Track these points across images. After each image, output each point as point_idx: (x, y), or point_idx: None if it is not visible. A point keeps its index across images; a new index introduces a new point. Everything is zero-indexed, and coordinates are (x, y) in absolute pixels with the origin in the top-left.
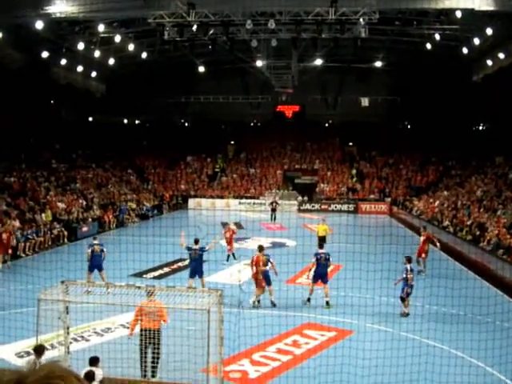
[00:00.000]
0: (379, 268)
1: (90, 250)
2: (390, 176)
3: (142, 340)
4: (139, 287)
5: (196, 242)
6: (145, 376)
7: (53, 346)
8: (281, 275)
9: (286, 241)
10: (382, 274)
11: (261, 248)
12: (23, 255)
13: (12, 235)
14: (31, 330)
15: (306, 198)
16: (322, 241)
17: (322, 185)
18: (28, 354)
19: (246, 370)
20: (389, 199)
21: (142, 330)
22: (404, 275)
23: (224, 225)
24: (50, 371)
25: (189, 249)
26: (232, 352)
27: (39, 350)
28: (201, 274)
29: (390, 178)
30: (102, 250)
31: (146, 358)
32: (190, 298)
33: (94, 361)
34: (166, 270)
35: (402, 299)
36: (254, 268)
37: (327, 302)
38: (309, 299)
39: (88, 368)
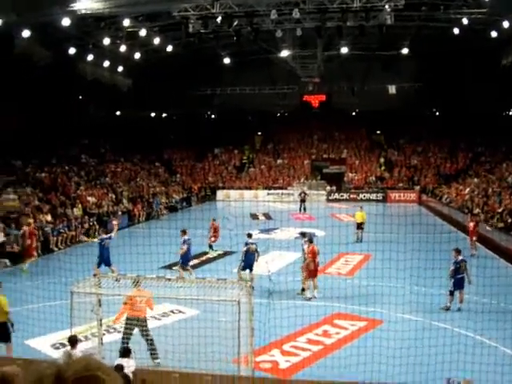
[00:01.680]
0: (409, 257)
1: (101, 245)
2: (419, 164)
3: (126, 327)
4: (169, 279)
5: (249, 235)
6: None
7: (86, 338)
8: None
9: (315, 231)
10: (412, 263)
11: (311, 240)
12: (55, 249)
13: (35, 236)
14: (65, 322)
15: (334, 188)
16: (359, 227)
17: (350, 174)
18: (63, 345)
19: (277, 360)
20: (418, 187)
21: (127, 318)
22: (452, 267)
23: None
24: (87, 363)
25: (246, 244)
26: (263, 343)
27: (73, 340)
28: (252, 268)
29: (419, 166)
30: (107, 244)
31: (127, 342)
32: (220, 289)
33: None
34: (196, 261)
35: (451, 292)
36: (312, 260)
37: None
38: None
39: (119, 360)
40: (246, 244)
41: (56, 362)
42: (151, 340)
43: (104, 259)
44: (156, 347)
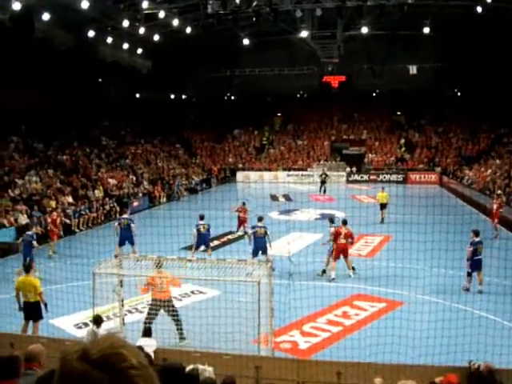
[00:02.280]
0: (430, 239)
1: (117, 224)
2: (440, 145)
3: (151, 308)
4: (190, 260)
5: (260, 219)
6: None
7: (108, 318)
8: (330, 246)
9: (335, 212)
10: (433, 245)
11: (345, 222)
12: (77, 231)
13: (61, 219)
14: (88, 302)
15: (354, 169)
16: (382, 208)
17: (370, 155)
18: (86, 325)
19: (297, 340)
20: (438, 169)
21: (152, 300)
22: (470, 248)
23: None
24: (112, 342)
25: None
26: (283, 323)
27: (98, 320)
28: (265, 251)
29: (440, 147)
30: (128, 224)
31: (150, 323)
32: (240, 270)
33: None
34: (216, 242)
35: (469, 274)
36: (340, 241)
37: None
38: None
39: (141, 340)
40: (254, 227)
41: (82, 342)
42: (178, 320)
43: (122, 238)
44: (182, 328)
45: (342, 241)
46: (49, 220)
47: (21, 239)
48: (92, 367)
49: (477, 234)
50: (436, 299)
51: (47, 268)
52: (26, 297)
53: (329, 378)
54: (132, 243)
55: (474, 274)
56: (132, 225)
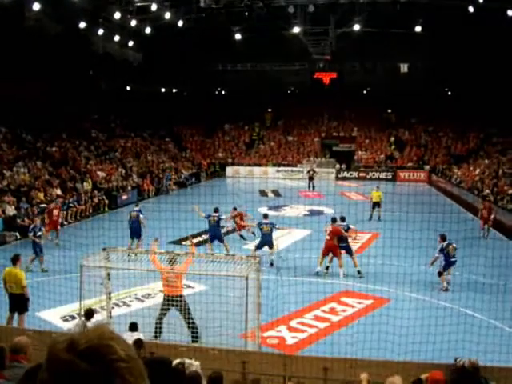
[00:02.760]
0: (418, 236)
1: (129, 216)
2: (430, 144)
3: (163, 304)
4: (178, 254)
5: (265, 216)
6: (155, 337)
7: (95, 311)
8: (318, 243)
9: (324, 208)
10: (421, 243)
11: (333, 220)
12: (65, 223)
13: (60, 211)
14: (75, 295)
15: (343, 166)
16: (376, 206)
17: (360, 152)
18: (72, 317)
19: (284, 336)
20: (428, 167)
21: (164, 297)
22: (437, 254)
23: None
24: (100, 333)
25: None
26: (270, 318)
27: (89, 313)
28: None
29: (430, 146)
30: (137, 216)
31: (161, 320)
32: (228, 264)
33: (133, 326)
34: (205, 237)
35: (440, 274)
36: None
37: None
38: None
39: (136, 335)
40: (260, 224)
41: (71, 333)
42: (190, 319)
43: (131, 231)
44: (197, 328)
45: (327, 238)
46: (46, 212)
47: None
48: (79, 358)
49: (444, 238)
50: (423, 297)
51: (35, 261)
52: (12, 288)
53: (315, 373)
54: (138, 237)
55: (445, 272)
56: (141, 216)
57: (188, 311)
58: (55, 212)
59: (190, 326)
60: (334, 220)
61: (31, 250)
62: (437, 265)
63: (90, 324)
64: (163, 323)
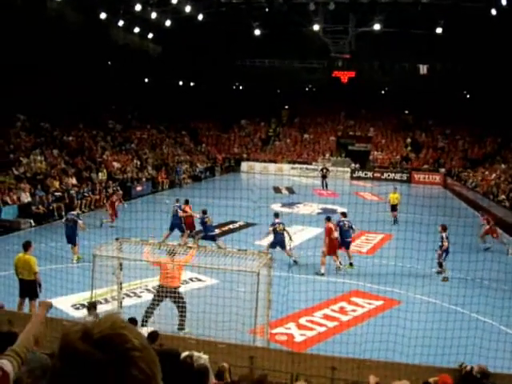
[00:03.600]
0: (431, 239)
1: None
2: (446, 146)
3: (157, 294)
4: (190, 247)
5: (277, 215)
6: (142, 325)
7: (106, 301)
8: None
9: (338, 207)
10: (434, 245)
11: (327, 218)
12: (79, 212)
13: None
14: (87, 284)
15: (358, 166)
16: (393, 209)
17: (375, 153)
18: (83, 306)
19: (292, 333)
20: (443, 170)
21: (159, 286)
22: (440, 243)
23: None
24: (113, 322)
25: (273, 224)
26: (279, 315)
27: (90, 307)
28: (283, 246)
29: (446, 149)
30: (176, 211)
31: (152, 312)
32: (240, 259)
33: (132, 322)
34: (217, 231)
35: (440, 264)
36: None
37: (351, 263)
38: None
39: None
40: (273, 224)
41: (84, 322)
42: (182, 311)
43: (172, 224)
44: (185, 319)
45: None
46: (108, 202)
47: (64, 219)
48: (94, 348)
49: (445, 228)
50: (434, 300)
51: (48, 248)
52: (22, 274)
53: (323, 371)
54: (182, 230)
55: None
56: (179, 211)
57: (182, 303)
58: (117, 203)
59: (182, 317)
60: (327, 218)
61: (45, 237)
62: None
63: (91, 317)
64: (154, 314)
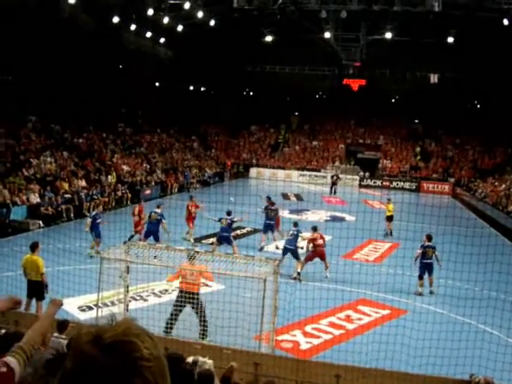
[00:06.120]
0: (439, 249)
1: (148, 216)
2: (456, 156)
3: (178, 299)
4: (198, 252)
5: (228, 213)
6: (166, 332)
7: (113, 303)
8: (338, 250)
9: (346, 215)
10: (442, 256)
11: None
12: (87, 214)
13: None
14: (94, 286)
15: (367, 174)
16: (389, 220)
17: (384, 161)
18: (90, 308)
19: (298, 340)
20: (452, 180)
21: (180, 291)
22: (418, 250)
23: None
24: (126, 328)
25: (220, 219)
26: (285, 322)
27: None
28: (230, 242)
29: (455, 158)
30: (158, 220)
31: (176, 316)
32: (247, 265)
33: (61, 325)
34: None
35: (420, 277)
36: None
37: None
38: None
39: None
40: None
41: (97, 325)
42: (203, 317)
43: (147, 231)
44: (207, 326)
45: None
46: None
47: (89, 219)
48: (102, 353)
49: (429, 238)
50: (441, 310)
51: (55, 249)
52: (30, 275)
53: (327, 379)
54: (156, 239)
55: (425, 276)
56: (163, 221)
57: (202, 309)
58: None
59: (202, 323)
60: (313, 228)
61: (52, 238)
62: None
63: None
64: (178, 320)
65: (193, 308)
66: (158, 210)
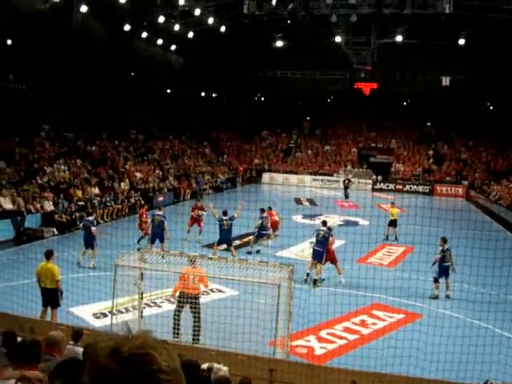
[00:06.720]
0: (455, 253)
1: (150, 220)
2: (469, 158)
3: (178, 302)
4: (211, 258)
5: (225, 213)
6: (174, 337)
7: (127, 310)
8: (352, 254)
9: (360, 220)
10: (457, 260)
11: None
12: (101, 221)
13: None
14: (108, 293)
15: (380, 178)
16: (393, 224)
17: (397, 165)
18: (104, 315)
19: (313, 346)
20: (466, 182)
21: (180, 294)
22: (438, 255)
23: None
24: (144, 340)
25: (220, 220)
26: (300, 327)
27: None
28: (230, 243)
29: (469, 161)
30: (161, 222)
31: (179, 320)
32: (261, 271)
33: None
34: (238, 242)
35: (435, 280)
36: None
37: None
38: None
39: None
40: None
41: (115, 337)
42: (198, 319)
43: (153, 235)
44: (200, 328)
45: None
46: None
47: (81, 224)
48: (120, 366)
49: (445, 241)
50: (456, 314)
51: (70, 256)
52: (44, 283)
53: None
54: (162, 241)
55: (442, 280)
56: (165, 222)
57: (199, 312)
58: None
59: (196, 326)
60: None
61: (67, 246)
62: (434, 270)
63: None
64: (180, 321)
65: (192, 309)
66: (160, 212)
